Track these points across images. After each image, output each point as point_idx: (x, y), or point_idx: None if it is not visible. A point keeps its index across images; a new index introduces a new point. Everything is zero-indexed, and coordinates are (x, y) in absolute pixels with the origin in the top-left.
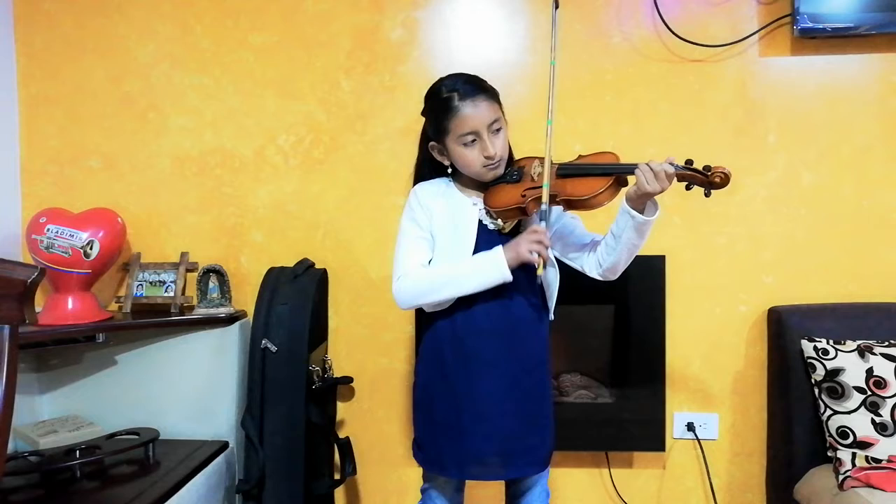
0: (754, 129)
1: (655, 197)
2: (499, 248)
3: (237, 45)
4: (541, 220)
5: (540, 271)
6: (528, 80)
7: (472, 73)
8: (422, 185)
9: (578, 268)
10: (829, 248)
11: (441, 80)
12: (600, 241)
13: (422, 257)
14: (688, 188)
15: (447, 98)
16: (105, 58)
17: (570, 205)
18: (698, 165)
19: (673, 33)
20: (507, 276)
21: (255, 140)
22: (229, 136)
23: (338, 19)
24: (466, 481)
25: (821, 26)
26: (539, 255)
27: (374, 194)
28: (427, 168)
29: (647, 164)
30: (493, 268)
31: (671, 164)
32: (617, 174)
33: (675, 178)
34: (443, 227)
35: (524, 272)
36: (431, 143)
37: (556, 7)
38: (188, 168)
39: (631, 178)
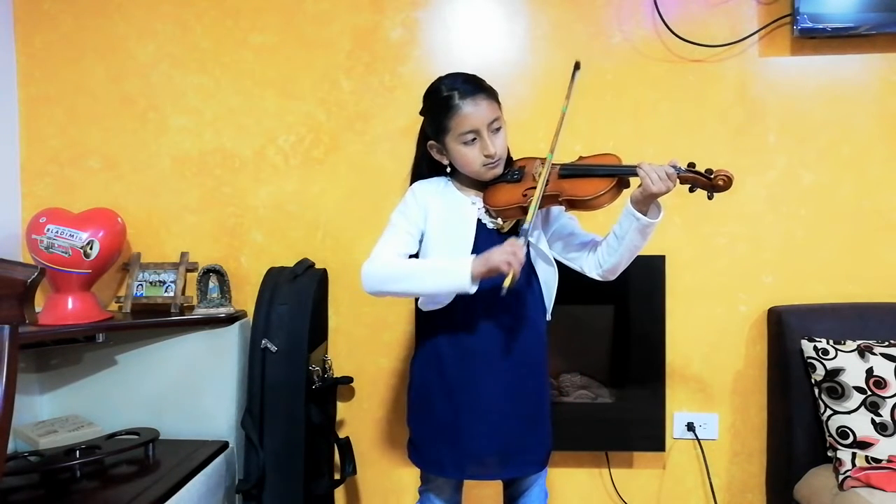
0: (754, 129)
1: (659, 199)
2: (469, 257)
3: (237, 45)
4: (520, 236)
5: (507, 283)
6: (527, 81)
7: (471, 72)
8: (420, 183)
9: (578, 268)
10: (829, 248)
11: (440, 79)
12: (600, 242)
13: (401, 249)
14: (691, 190)
15: (447, 96)
16: (105, 58)
17: (573, 205)
18: (700, 168)
19: (673, 33)
20: (467, 287)
21: (255, 140)
22: (229, 136)
23: (338, 19)
24: (464, 482)
25: (821, 26)
26: (511, 266)
27: (374, 194)
28: (425, 167)
29: (650, 165)
30: (457, 273)
31: (674, 166)
32: (619, 175)
33: (679, 181)
34: (441, 225)
35: (524, 273)
36: (430, 142)
37: (577, 68)
38: (188, 168)
39: (633, 180)
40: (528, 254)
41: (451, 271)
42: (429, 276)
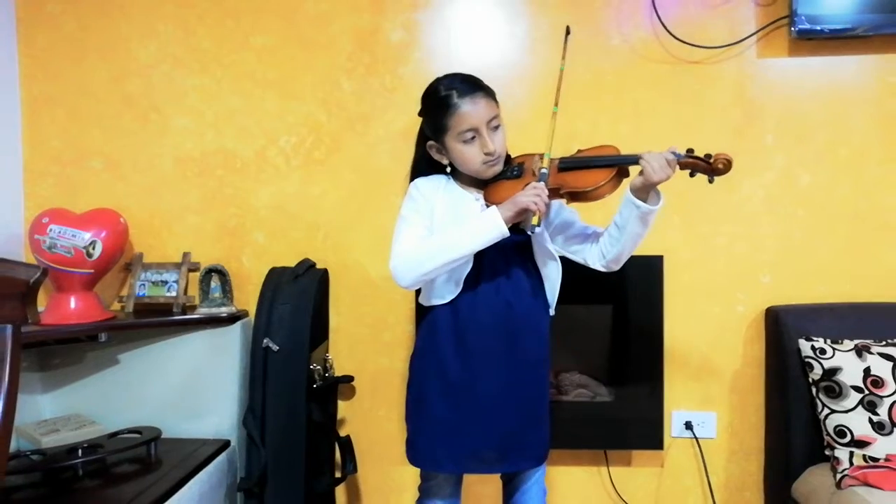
0: (752, 130)
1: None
2: (493, 207)
3: (238, 45)
4: (540, 180)
5: (535, 221)
6: (527, 82)
7: (470, 74)
8: (421, 179)
9: (581, 261)
10: (827, 248)
11: (438, 79)
12: (602, 233)
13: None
14: (692, 175)
15: (446, 96)
16: (107, 58)
17: (574, 197)
18: (699, 154)
19: (671, 35)
20: (504, 231)
21: (256, 141)
22: (231, 137)
23: (338, 20)
24: (464, 480)
25: (818, 28)
26: (537, 206)
27: (374, 195)
28: (424, 168)
29: (650, 154)
30: (490, 224)
31: (673, 152)
32: (619, 165)
33: (679, 166)
34: (445, 221)
35: (524, 268)
36: (430, 142)
37: (568, 33)
38: (190, 169)
39: (633, 170)
40: (530, 247)
41: (483, 225)
42: (463, 240)
